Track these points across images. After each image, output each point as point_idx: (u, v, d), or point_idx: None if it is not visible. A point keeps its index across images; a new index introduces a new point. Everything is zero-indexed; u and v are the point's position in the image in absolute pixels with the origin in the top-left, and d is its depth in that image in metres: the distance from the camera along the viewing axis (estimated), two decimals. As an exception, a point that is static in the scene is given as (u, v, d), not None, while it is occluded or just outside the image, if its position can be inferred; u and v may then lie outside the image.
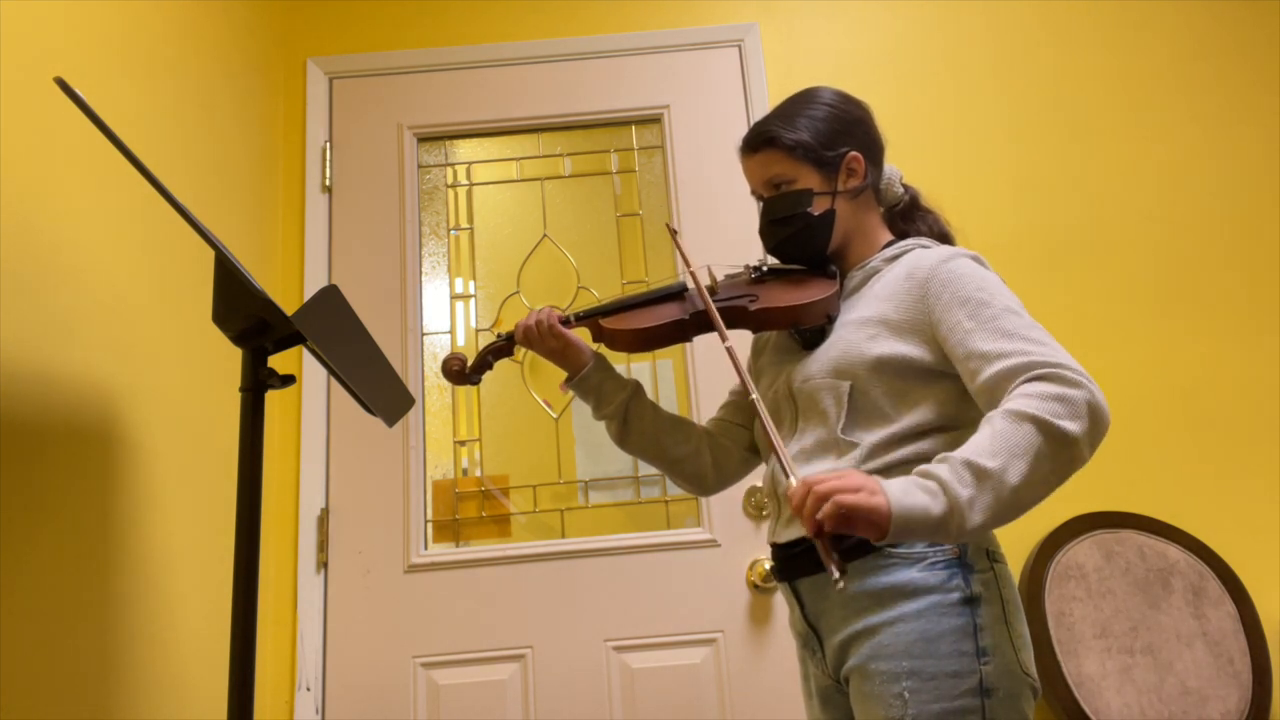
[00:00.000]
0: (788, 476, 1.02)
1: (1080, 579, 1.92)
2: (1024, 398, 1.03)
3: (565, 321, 1.38)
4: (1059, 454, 1.00)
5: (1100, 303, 2.18)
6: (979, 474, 0.99)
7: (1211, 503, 2.05)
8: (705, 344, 2.07)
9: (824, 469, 1.19)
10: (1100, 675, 1.84)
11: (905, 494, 0.98)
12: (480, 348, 2.18)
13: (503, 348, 1.42)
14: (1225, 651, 1.87)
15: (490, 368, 1.43)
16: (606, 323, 1.35)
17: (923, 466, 1.02)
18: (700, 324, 1.33)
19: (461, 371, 1.41)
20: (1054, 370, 1.04)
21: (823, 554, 0.95)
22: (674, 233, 1.43)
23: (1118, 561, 1.94)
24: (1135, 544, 1.96)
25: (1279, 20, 2.37)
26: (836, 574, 0.93)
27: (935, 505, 0.98)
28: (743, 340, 1.49)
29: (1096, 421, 1.01)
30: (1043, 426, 1.00)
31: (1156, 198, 2.25)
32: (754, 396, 1.12)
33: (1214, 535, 2.02)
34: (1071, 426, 1.00)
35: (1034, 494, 1.01)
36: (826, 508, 0.96)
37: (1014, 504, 1.00)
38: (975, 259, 1.22)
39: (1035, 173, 2.26)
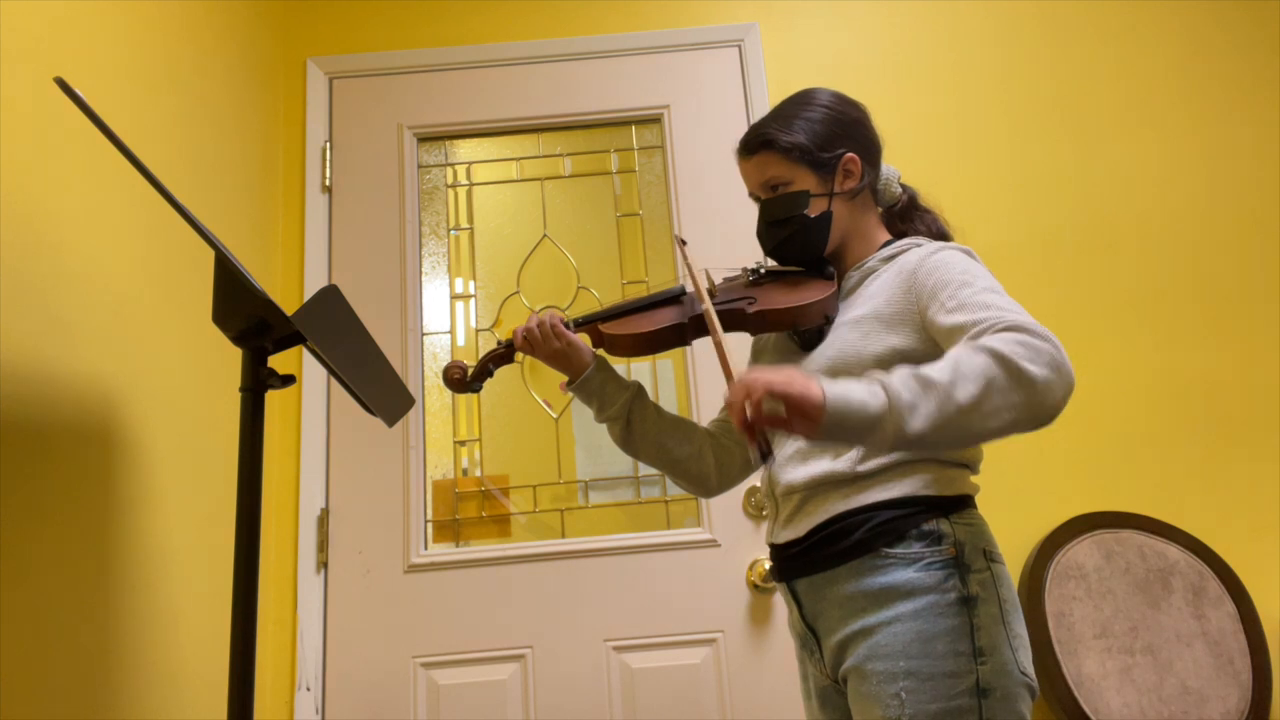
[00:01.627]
0: (730, 381, 1.01)
1: (1080, 579, 1.92)
2: (988, 336, 1.01)
3: (565, 326, 1.39)
4: (1014, 389, 0.97)
5: (1100, 302, 2.18)
6: (924, 383, 0.98)
7: (1211, 503, 2.05)
8: (705, 346, 2.07)
9: (822, 468, 1.19)
10: (1100, 675, 1.84)
11: (845, 389, 0.97)
12: (480, 348, 2.20)
13: (503, 355, 1.42)
14: (1225, 651, 1.87)
15: (491, 375, 1.43)
16: (606, 328, 1.35)
17: (870, 372, 1.01)
18: (699, 328, 1.33)
19: (462, 379, 1.41)
20: (1023, 324, 1.02)
21: (750, 441, 0.96)
22: (682, 243, 1.43)
23: (1118, 561, 1.94)
24: (1135, 544, 1.96)
25: (1276, 18, 2.37)
26: (760, 455, 0.95)
27: (873, 402, 0.97)
28: (742, 340, 1.49)
29: (1060, 374, 0.98)
30: (1000, 359, 0.98)
31: (1156, 197, 2.25)
32: (705, 306, 1.18)
33: (1214, 535, 2.02)
34: (1031, 368, 0.97)
35: (983, 423, 0.97)
36: (756, 394, 0.96)
37: (959, 425, 0.97)
38: (964, 250, 1.22)
39: (1035, 173, 2.26)
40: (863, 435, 0.98)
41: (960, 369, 0.98)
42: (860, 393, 0.97)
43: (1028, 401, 0.98)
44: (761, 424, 0.97)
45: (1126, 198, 2.25)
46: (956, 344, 1.06)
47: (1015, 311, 1.06)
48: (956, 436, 0.99)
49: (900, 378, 0.99)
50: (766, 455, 0.96)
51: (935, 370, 0.98)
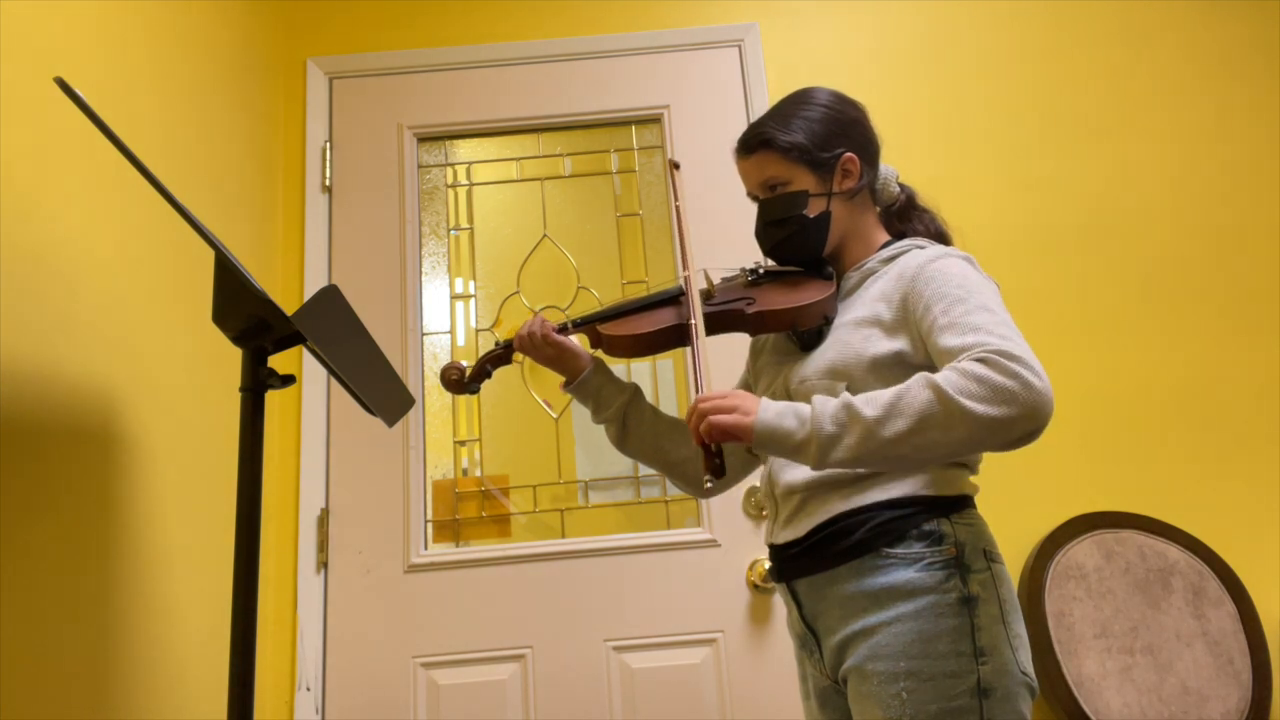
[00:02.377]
0: (699, 391, 1.16)
1: (1080, 579, 1.92)
2: (949, 370, 1.05)
3: (563, 328, 1.38)
4: (952, 427, 1.02)
5: (1099, 302, 2.18)
6: (853, 418, 1.06)
7: (1211, 503, 2.05)
8: (706, 344, 2.06)
9: (819, 470, 1.19)
10: (1100, 675, 1.84)
11: (778, 417, 1.09)
12: (480, 348, 2.20)
13: (501, 356, 1.42)
14: (1225, 651, 1.86)
15: (489, 376, 1.43)
16: (604, 328, 1.35)
17: (816, 397, 1.11)
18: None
19: (460, 380, 1.41)
20: (994, 356, 1.03)
21: (703, 460, 1.12)
22: (675, 166, 1.44)
23: (1118, 561, 1.94)
24: (1135, 544, 1.96)
25: (1268, 20, 2.37)
26: (708, 476, 1.11)
27: (799, 432, 1.08)
28: (741, 342, 1.49)
29: (1020, 408, 1.01)
30: (942, 398, 1.03)
31: (1156, 197, 2.25)
32: (688, 272, 1.29)
33: (1214, 535, 2.02)
34: (976, 407, 1.01)
35: (919, 453, 1.05)
36: (703, 429, 1.11)
37: (889, 455, 1.05)
38: (964, 259, 1.22)
39: (1035, 172, 2.26)
40: (792, 456, 1.10)
41: (899, 404, 1.05)
42: (789, 423, 1.09)
43: (973, 437, 1.03)
44: (710, 441, 1.11)
45: (1126, 198, 2.25)
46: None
47: (1000, 336, 1.07)
48: (891, 463, 1.08)
49: (833, 409, 1.08)
50: (717, 474, 1.11)
51: (871, 405, 1.06)
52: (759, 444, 1.09)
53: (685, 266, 1.33)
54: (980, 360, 1.04)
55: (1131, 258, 2.21)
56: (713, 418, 1.10)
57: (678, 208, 1.38)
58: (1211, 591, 1.92)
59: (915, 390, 1.05)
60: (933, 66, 2.34)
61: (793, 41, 2.35)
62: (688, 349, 1.34)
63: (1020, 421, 1.01)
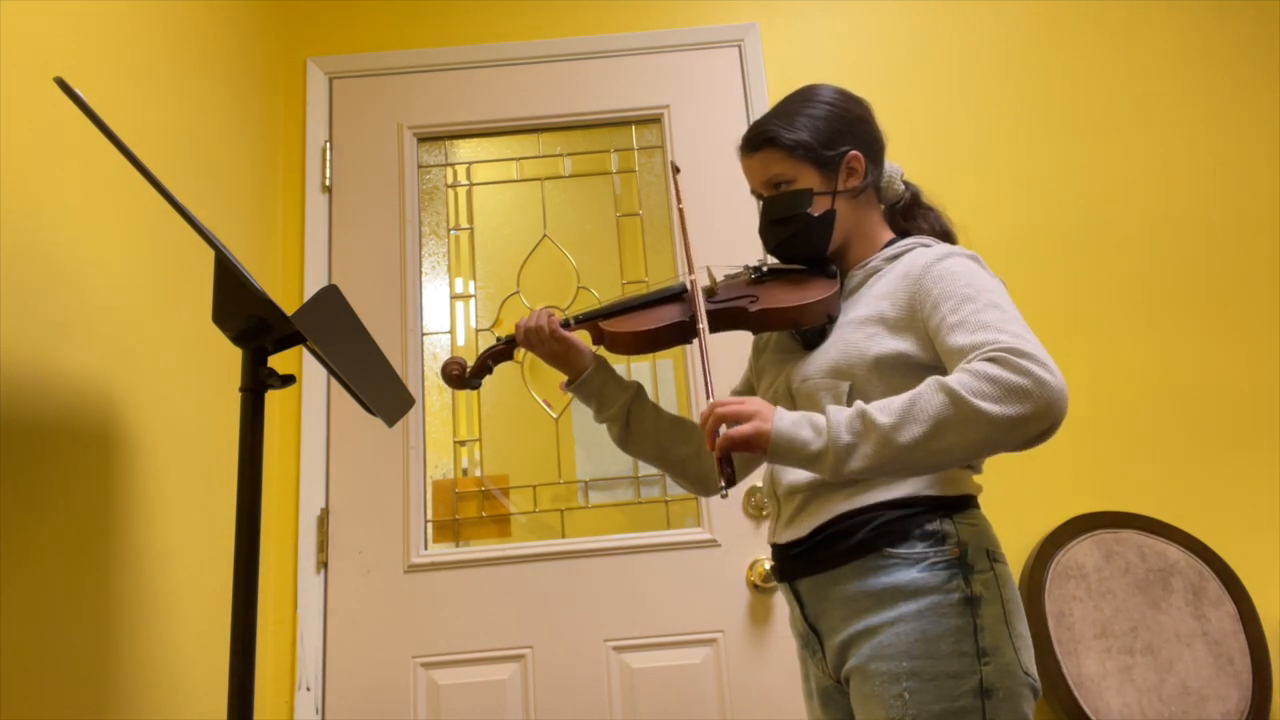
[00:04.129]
0: (709, 398, 1.14)
1: (1080, 579, 1.92)
2: (961, 371, 1.05)
3: (565, 324, 1.38)
4: (967, 430, 1.01)
5: (1101, 301, 2.18)
6: (868, 426, 1.05)
7: (1211, 503, 2.05)
8: (709, 350, 2.06)
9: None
10: (1100, 675, 1.84)
11: (794, 427, 1.07)
12: (480, 348, 2.20)
13: (502, 351, 1.42)
14: (1225, 651, 1.86)
15: (490, 372, 1.42)
16: (607, 325, 1.35)
17: (829, 407, 1.09)
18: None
19: (461, 376, 1.41)
20: (1005, 355, 1.03)
21: (717, 468, 1.10)
22: (676, 170, 1.44)
23: (1118, 561, 1.94)
24: (1135, 544, 1.96)
25: (1267, 19, 2.36)
26: (723, 484, 1.09)
27: (815, 443, 1.06)
28: (743, 340, 1.49)
29: (1035, 405, 1.00)
30: (956, 400, 1.02)
31: (1157, 197, 2.25)
32: (692, 277, 1.29)
33: (1214, 535, 2.02)
34: (990, 408, 1.00)
35: (935, 459, 1.04)
36: (720, 441, 1.08)
37: (906, 461, 1.04)
38: (971, 257, 1.21)
39: (1035, 172, 2.26)
40: (808, 467, 1.08)
41: (913, 410, 1.04)
42: (805, 433, 1.07)
43: (989, 438, 1.02)
44: (723, 452, 1.09)
45: (1128, 197, 2.25)
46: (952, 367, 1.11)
47: (1011, 334, 1.06)
48: (905, 470, 1.07)
49: (847, 418, 1.06)
50: (731, 483, 1.09)
51: (885, 412, 1.04)
52: (774, 455, 1.07)
53: (690, 270, 1.32)
54: (991, 359, 1.03)
55: (1131, 257, 2.21)
56: (729, 431, 1.08)
57: (680, 210, 1.38)
58: (1211, 591, 1.92)
59: (928, 395, 1.04)
60: (932, 66, 2.34)
61: (793, 41, 2.35)
62: (693, 351, 1.34)
63: (1035, 419, 1.01)
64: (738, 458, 1.44)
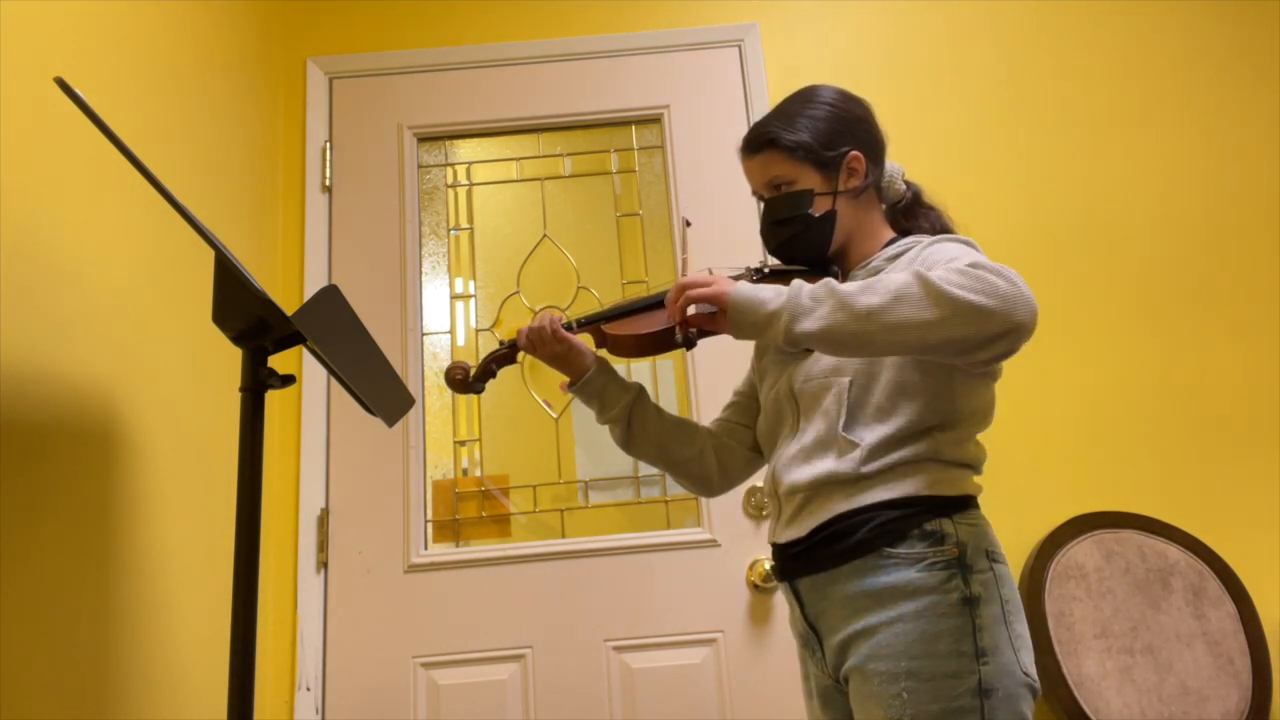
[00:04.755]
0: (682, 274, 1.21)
1: (1080, 579, 1.92)
2: (936, 269, 1.07)
3: (567, 327, 1.38)
4: (929, 306, 1.02)
5: (1100, 301, 2.18)
6: (830, 290, 1.08)
7: (1211, 503, 2.05)
8: (706, 346, 2.07)
9: (825, 468, 1.19)
10: (1100, 675, 1.84)
11: (754, 289, 1.13)
12: (480, 348, 2.20)
13: (506, 355, 1.42)
14: (1225, 651, 1.87)
15: (494, 375, 1.42)
16: (609, 328, 1.35)
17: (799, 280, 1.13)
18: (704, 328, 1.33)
19: (465, 380, 1.41)
20: (983, 264, 1.05)
21: (679, 329, 1.19)
22: (686, 224, 1.44)
23: (1118, 561, 1.94)
24: (1135, 544, 1.96)
25: (1272, 21, 2.37)
26: (680, 340, 1.20)
27: (773, 301, 1.11)
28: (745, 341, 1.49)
29: (1003, 302, 1.01)
30: (922, 280, 1.04)
31: (1156, 197, 2.25)
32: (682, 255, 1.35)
33: (1214, 535, 2.02)
34: (958, 291, 1.02)
35: (888, 334, 1.04)
36: (680, 298, 1.16)
37: (855, 329, 1.05)
38: (963, 240, 1.24)
39: (1034, 172, 2.26)
40: (763, 328, 1.11)
41: (877, 284, 1.06)
42: (765, 293, 1.12)
43: (944, 318, 1.02)
44: (695, 323, 1.18)
45: (1127, 197, 2.25)
46: None
47: (993, 264, 1.08)
48: (855, 341, 1.06)
49: (813, 287, 1.10)
50: (688, 343, 1.19)
51: (851, 287, 1.07)
52: (733, 313, 1.12)
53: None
54: (971, 264, 1.06)
55: (1130, 257, 2.21)
56: (691, 291, 1.15)
57: (684, 260, 1.39)
58: (1211, 591, 1.92)
59: (896, 276, 1.06)
60: (932, 66, 2.34)
61: (793, 41, 2.35)
62: (699, 344, 1.35)
63: (999, 316, 1.01)
64: (739, 457, 1.44)
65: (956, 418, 1.19)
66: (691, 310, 1.19)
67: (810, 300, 1.08)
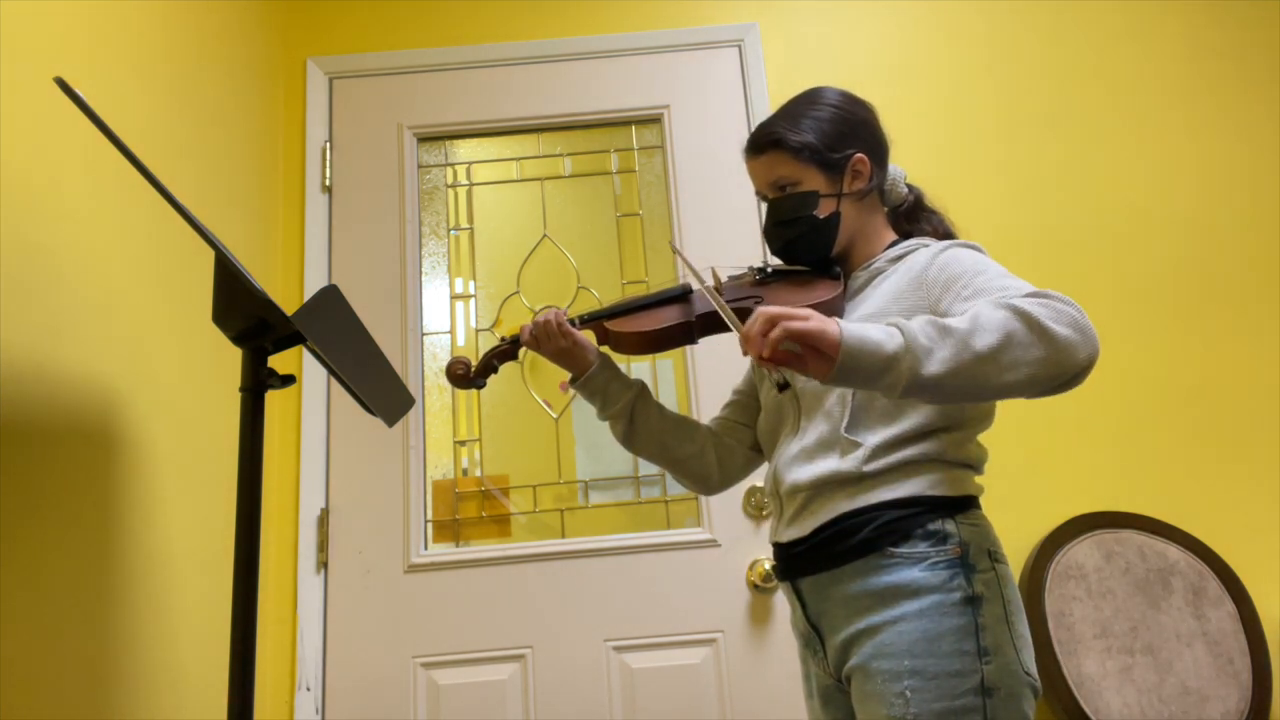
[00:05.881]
0: (735, 330, 1.04)
1: (1080, 579, 1.92)
2: (1010, 298, 1.02)
3: (570, 323, 1.38)
4: (1034, 344, 0.98)
5: (1099, 302, 2.18)
6: (942, 330, 0.98)
7: (1211, 503, 2.05)
8: (706, 344, 2.06)
9: (828, 468, 1.19)
10: (1100, 675, 1.84)
11: (861, 328, 0.98)
12: (480, 348, 2.20)
13: (507, 351, 1.42)
14: (1225, 651, 1.87)
15: (495, 371, 1.42)
16: (612, 325, 1.35)
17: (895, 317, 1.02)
18: (706, 326, 1.33)
19: (466, 375, 1.41)
20: (1046, 291, 1.03)
21: (770, 372, 0.98)
22: (676, 251, 1.43)
23: (1118, 561, 1.94)
24: (1135, 544, 1.96)
25: (1272, 21, 2.37)
26: (779, 380, 0.97)
27: (889, 343, 0.97)
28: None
29: (1084, 335, 0.99)
30: (1021, 314, 0.99)
31: (1155, 197, 2.25)
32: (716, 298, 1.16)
33: (1214, 535, 2.02)
34: (1054, 325, 0.99)
35: (1000, 375, 0.97)
36: (775, 332, 0.97)
37: (976, 373, 0.97)
38: (972, 246, 1.23)
39: (1033, 172, 2.26)
40: (877, 377, 0.98)
41: (980, 321, 0.99)
42: (877, 333, 0.98)
43: (1048, 357, 0.98)
44: (778, 361, 0.98)
45: (1126, 198, 2.25)
46: None
47: (1034, 287, 1.07)
48: (972, 386, 0.98)
49: (919, 323, 0.99)
50: (784, 387, 0.98)
51: (954, 320, 0.99)
52: (845, 357, 0.96)
53: (698, 280, 1.27)
54: (1032, 294, 1.03)
55: (1132, 258, 2.21)
56: (789, 324, 0.96)
57: (684, 261, 1.34)
58: (1211, 591, 1.92)
59: (988, 311, 0.99)
60: (933, 66, 2.34)
61: (793, 41, 2.35)
62: (699, 343, 1.29)
63: (1083, 347, 0.99)
64: (739, 456, 1.44)
65: (962, 420, 1.19)
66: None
67: (928, 341, 0.97)
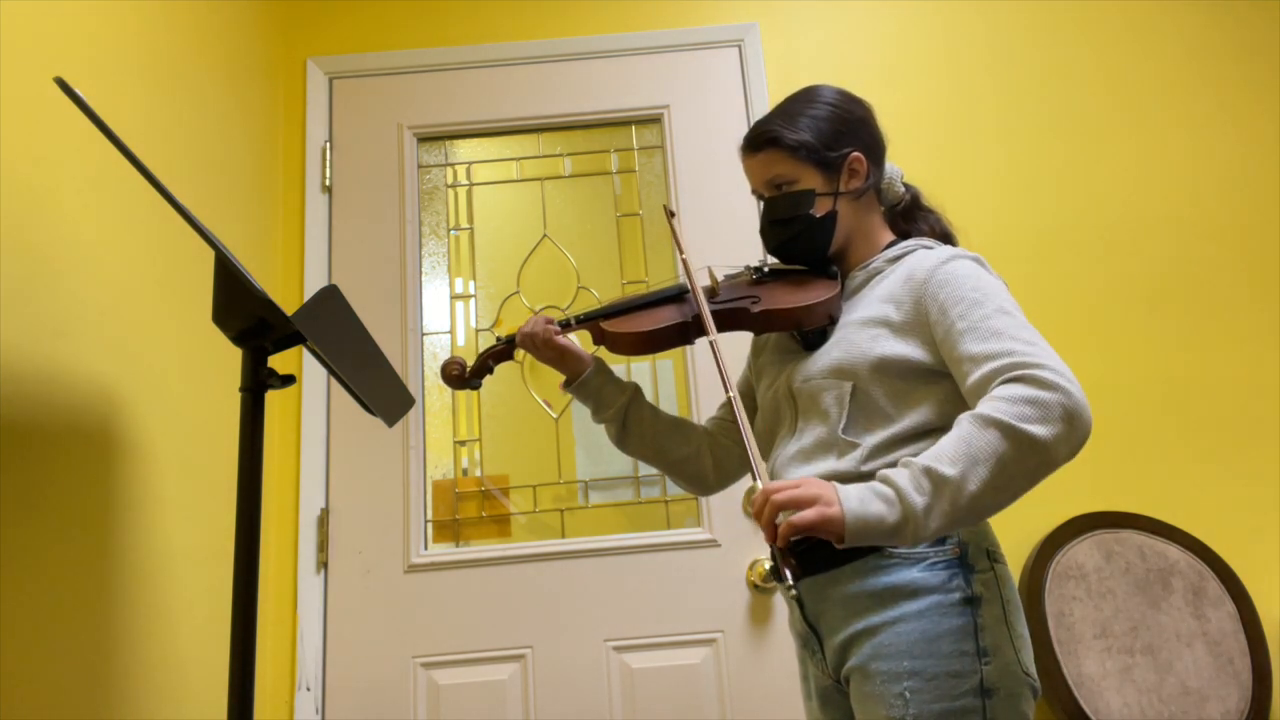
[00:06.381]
0: (755, 480, 1.05)
1: (1080, 579, 1.92)
2: (995, 400, 1.03)
3: (565, 324, 1.38)
4: (1025, 459, 1.00)
5: (1098, 302, 2.18)
6: (937, 482, 1.00)
7: (1211, 503, 2.05)
8: (706, 345, 2.06)
9: (825, 467, 1.19)
10: (1100, 675, 1.84)
11: (862, 504, 1.00)
12: (480, 348, 2.20)
13: (502, 351, 1.42)
14: (1225, 651, 1.87)
15: (490, 372, 1.42)
16: (607, 325, 1.35)
17: (884, 472, 1.03)
18: (702, 327, 1.33)
19: (461, 376, 1.41)
20: (1032, 372, 1.03)
21: (778, 561, 1.00)
22: (670, 214, 1.42)
23: (1118, 561, 1.94)
24: (1135, 544, 1.96)
25: (1271, 21, 2.37)
26: (790, 579, 0.98)
27: (891, 515, 1.00)
28: (742, 340, 1.49)
29: (1072, 425, 1.00)
30: (1008, 432, 1.00)
31: (1155, 197, 2.25)
32: (731, 394, 1.15)
33: (1214, 535, 2.02)
34: (1039, 431, 1.00)
35: (997, 499, 1.01)
36: (782, 529, 1.00)
37: (973, 509, 1.01)
38: (976, 260, 1.21)
39: (1032, 172, 2.26)
40: (883, 541, 1.01)
41: (971, 453, 1.00)
42: (878, 507, 1.00)
43: (1042, 462, 1.01)
44: (786, 542, 1.00)
45: (1125, 198, 2.25)
46: (970, 383, 1.09)
47: (1025, 341, 1.07)
48: (975, 517, 1.02)
49: (913, 479, 1.01)
50: (796, 577, 0.99)
51: (946, 462, 1.00)
52: (851, 538, 1.00)
53: (709, 332, 1.27)
54: (1017, 380, 1.03)
55: (1132, 258, 2.21)
56: (794, 518, 1.00)
57: (684, 261, 1.34)
58: (1211, 591, 1.92)
59: (978, 434, 1.01)
60: (933, 66, 2.34)
61: (793, 41, 2.35)
62: (693, 354, 1.31)
63: (1077, 432, 1.01)
64: (734, 458, 1.44)
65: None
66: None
67: (923, 498, 1.00)
